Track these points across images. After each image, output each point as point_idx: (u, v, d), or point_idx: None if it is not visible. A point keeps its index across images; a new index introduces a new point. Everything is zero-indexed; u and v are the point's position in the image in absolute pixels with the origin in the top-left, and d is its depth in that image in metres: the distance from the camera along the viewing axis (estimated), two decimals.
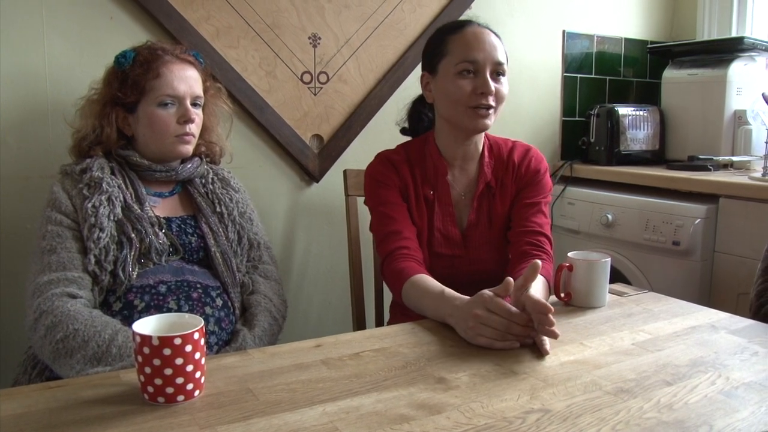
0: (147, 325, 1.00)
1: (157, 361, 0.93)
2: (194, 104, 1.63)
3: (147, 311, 1.44)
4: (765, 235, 2.01)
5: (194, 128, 1.63)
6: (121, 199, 1.52)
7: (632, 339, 1.28)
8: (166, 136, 1.59)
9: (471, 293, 1.30)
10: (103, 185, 1.50)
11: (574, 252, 1.54)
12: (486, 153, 1.69)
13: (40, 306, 1.37)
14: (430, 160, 1.67)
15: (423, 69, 1.69)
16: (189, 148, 1.63)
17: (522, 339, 1.21)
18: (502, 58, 1.58)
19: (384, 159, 1.68)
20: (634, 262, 2.43)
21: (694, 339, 1.28)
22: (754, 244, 2.09)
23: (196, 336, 0.96)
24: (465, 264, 1.65)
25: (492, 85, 1.55)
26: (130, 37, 1.86)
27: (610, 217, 2.48)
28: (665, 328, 1.34)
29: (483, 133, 1.68)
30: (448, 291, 1.36)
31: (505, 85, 1.59)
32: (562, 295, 1.50)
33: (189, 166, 1.67)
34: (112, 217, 1.48)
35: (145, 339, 0.94)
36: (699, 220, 2.21)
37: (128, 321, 1.41)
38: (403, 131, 1.84)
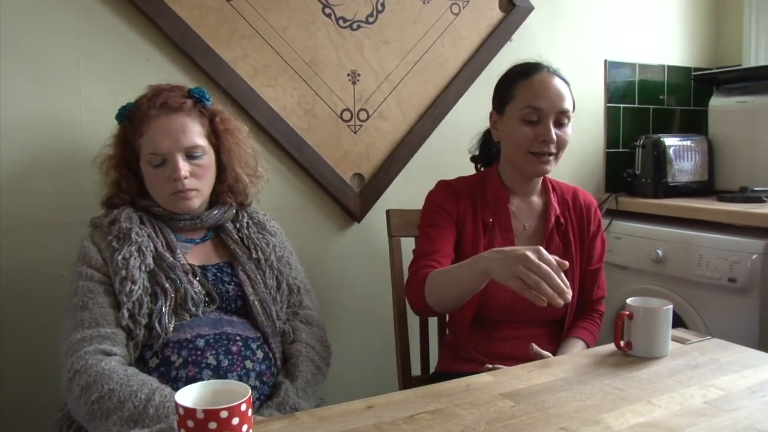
0: (190, 395, 0.95)
1: None
2: (191, 156, 1.53)
3: (185, 367, 1.39)
4: None
5: (192, 182, 1.52)
6: (152, 248, 1.47)
7: (703, 396, 1.20)
8: (162, 194, 1.54)
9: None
10: (132, 236, 1.46)
11: (633, 299, 1.46)
12: (550, 189, 1.76)
13: (73, 365, 1.32)
14: (491, 189, 1.73)
15: (492, 107, 1.74)
16: (190, 203, 1.54)
17: (553, 298, 1.20)
18: (567, 106, 1.62)
19: (446, 186, 1.75)
20: (688, 300, 2.32)
21: None
22: None
23: (243, 407, 0.90)
24: None
25: (554, 133, 1.60)
26: (166, 78, 1.81)
27: (660, 252, 2.38)
28: (738, 383, 1.26)
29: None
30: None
31: (568, 131, 1.64)
32: (622, 344, 1.43)
33: (215, 212, 1.60)
34: (143, 268, 1.43)
35: (189, 412, 0.88)
36: (756, 255, 2.11)
37: (165, 378, 1.37)
38: (473, 158, 1.91)
